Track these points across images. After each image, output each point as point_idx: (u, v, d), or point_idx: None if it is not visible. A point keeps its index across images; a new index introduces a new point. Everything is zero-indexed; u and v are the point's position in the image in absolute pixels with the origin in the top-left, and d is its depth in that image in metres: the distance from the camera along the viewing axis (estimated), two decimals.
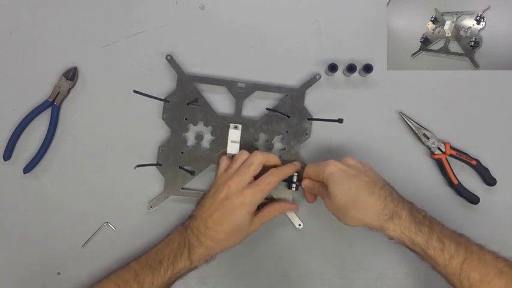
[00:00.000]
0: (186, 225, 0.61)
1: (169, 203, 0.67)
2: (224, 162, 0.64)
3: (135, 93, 0.62)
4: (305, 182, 0.63)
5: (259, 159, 0.61)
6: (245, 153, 0.63)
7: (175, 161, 0.67)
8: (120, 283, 0.58)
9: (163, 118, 0.67)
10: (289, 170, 0.63)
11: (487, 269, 0.52)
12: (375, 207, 0.56)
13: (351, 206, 0.57)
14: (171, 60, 0.67)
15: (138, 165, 0.64)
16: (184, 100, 0.66)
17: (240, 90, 0.67)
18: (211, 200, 0.60)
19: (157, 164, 0.66)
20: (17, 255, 0.67)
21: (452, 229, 0.58)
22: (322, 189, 0.61)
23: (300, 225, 0.68)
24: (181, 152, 0.67)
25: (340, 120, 0.62)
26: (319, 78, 0.68)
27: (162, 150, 0.67)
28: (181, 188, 0.67)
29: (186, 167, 0.67)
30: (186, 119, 0.67)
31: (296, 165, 0.64)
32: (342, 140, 0.69)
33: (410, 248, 0.57)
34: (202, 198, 0.63)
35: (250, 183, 0.59)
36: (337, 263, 0.69)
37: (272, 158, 0.62)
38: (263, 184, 0.59)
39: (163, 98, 0.66)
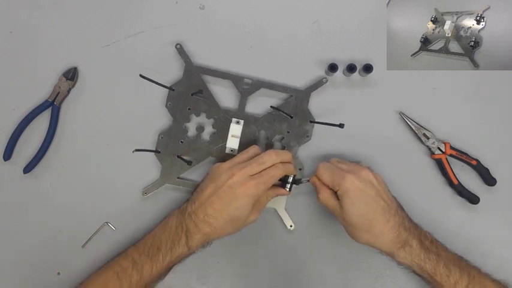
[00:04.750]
0: (183, 208, 0.60)
1: (164, 192, 0.67)
2: (255, 153, 0.62)
3: (143, 82, 0.62)
4: (318, 188, 0.61)
5: (273, 160, 0.59)
6: (258, 149, 0.62)
7: (174, 149, 0.67)
8: (119, 271, 0.58)
9: (166, 106, 0.67)
10: (293, 168, 0.61)
11: None
12: (390, 235, 0.57)
13: (365, 229, 0.57)
14: (180, 50, 0.67)
15: (137, 150, 0.64)
16: (189, 90, 0.67)
17: (246, 86, 0.68)
18: (213, 186, 0.58)
19: (156, 151, 0.66)
20: (17, 255, 0.67)
21: (453, 252, 0.60)
22: (333, 200, 0.59)
23: (291, 226, 0.67)
24: (181, 142, 0.67)
25: (341, 125, 0.62)
26: (326, 81, 0.68)
27: (162, 137, 0.67)
28: (177, 177, 0.67)
29: (184, 157, 0.66)
30: (189, 109, 0.67)
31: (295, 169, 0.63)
32: (341, 142, 0.69)
33: (417, 273, 0.59)
34: (202, 182, 0.62)
35: (253, 175, 0.58)
36: (337, 263, 0.68)
37: (285, 157, 0.61)
38: (267, 177, 0.58)
39: (167, 87, 0.66)
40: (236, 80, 0.67)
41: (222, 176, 0.58)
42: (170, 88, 0.66)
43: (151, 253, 0.58)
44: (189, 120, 0.68)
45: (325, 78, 0.68)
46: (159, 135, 0.67)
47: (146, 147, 0.67)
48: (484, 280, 0.57)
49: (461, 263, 0.58)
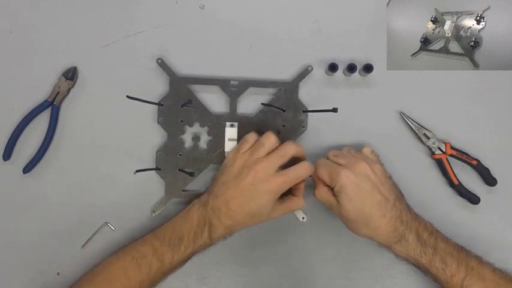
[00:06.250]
0: (204, 201, 0.60)
1: (171, 206, 0.67)
2: (253, 139, 0.61)
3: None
4: (316, 184, 0.62)
5: (293, 150, 0.58)
6: (272, 137, 0.59)
7: (174, 163, 0.67)
8: (138, 257, 0.57)
9: (158, 122, 0.66)
10: (312, 168, 0.59)
11: (485, 282, 0.56)
12: (386, 229, 0.57)
13: (362, 223, 0.58)
14: (162, 64, 0.67)
15: (138, 171, 0.63)
16: (178, 102, 0.66)
17: (233, 88, 0.67)
18: (235, 182, 0.58)
19: (157, 169, 0.66)
20: (17, 255, 0.67)
21: (454, 242, 0.60)
22: (329, 196, 0.59)
23: (303, 218, 0.67)
24: (180, 155, 0.67)
25: (334, 110, 0.61)
26: (311, 69, 0.68)
27: (160, 154, 0.67)
28: (183, 191, 0.67)
29: (185, 169, 0.66)
30: (181, 121, 0.67)
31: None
32: (341, 135, 0.69)
33: (414, 265, 0.60)
34: (221, 174, 0.61)
35: (278, 172, 0.58)
36: (338, 263, 0.68)
37: (301, 151, 0.60)
38: (293, 175, 0.57)
39: (157, 101, 0.66)
40: (223, 83, 0.67)
41: (244, 171, 0.58)
42: (159, 104, 0.66)
43: (172, 242, 0.58)
44: (183, 132, 0.67)
45: (310, 66, 0.68)
46: (156, 152, 0.67)
47: (142, 157, 0.67)
48: (483, 271, 0.57)
49: (460, 255, 0.58)
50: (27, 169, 0.66)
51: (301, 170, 0.58)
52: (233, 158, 0.60)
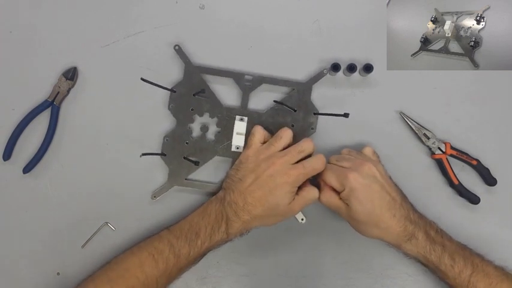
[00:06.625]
0: (221, 197, 0.61)
1: (172, 194, 0.67)
2: (260, 133, 0.63)
3: (142, 82, 0.62)
4: (322, 188, 0.61)
5: (311, 149, 0.60)
6: (290, 131, 0.62)
7: (180, 151, 0.67)
8: (155, 253, 0.57)
9: (169, 108, 0.67)
10: (325, 161, 0.61)
11: (490, 278, 0.57)
12: (396, 229, 0.58)
13: (372, 224, 0.58)
14: (179, 50, 0.67)
15: (144, 154, 0.64)
16: (191, 91, 0.67)
17: (247, 83, 0.68)
18: (253, 176, 0.59)
19: (162, 154, 0.66)
20: (16, 255, 0.67)
21: (457, 241, 0.61)
22: (336, 199, 0.60)
23: (302, 219, 0.67)
24: (186, 143, 0.67)
25: (346, 115, 0.61)
26: (327, 72, 0.68)
27: (167, 140, 0.67)
28: (185, 179, 0.67)
29: (190, 158, 0.66)
30: (192, 109, 0.67)
31: None
32: (345, 137, 0.69)
33: (423, 263, 0.61)
34: (236, 171, 0.62)
35: (294, 164, 0.59)
36: (338, 263, 0.68)
37: (314, 150, 0.61)
38: (309, 168, 0.59)
39: (168, 90, 0.66)
40: (237, 77, 0.67)
41: (262, 165, 0.59)
42: (172, 90, 0.66)
43: (189, 238, 0.58)
44: (192, 121, 0.67)
45: (326, 69, 0.68)
46: (164, 138, 0.67)
47: (147, 147, 0.67)
48: (487, 268, 0.58)
49: (465, 252, 0.59)
50: (27, 169, 0.66)
51: (317, 162, 0.59)
52: (247, 154, 0.62)
